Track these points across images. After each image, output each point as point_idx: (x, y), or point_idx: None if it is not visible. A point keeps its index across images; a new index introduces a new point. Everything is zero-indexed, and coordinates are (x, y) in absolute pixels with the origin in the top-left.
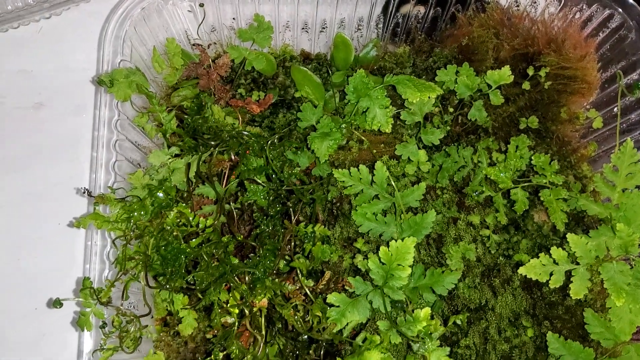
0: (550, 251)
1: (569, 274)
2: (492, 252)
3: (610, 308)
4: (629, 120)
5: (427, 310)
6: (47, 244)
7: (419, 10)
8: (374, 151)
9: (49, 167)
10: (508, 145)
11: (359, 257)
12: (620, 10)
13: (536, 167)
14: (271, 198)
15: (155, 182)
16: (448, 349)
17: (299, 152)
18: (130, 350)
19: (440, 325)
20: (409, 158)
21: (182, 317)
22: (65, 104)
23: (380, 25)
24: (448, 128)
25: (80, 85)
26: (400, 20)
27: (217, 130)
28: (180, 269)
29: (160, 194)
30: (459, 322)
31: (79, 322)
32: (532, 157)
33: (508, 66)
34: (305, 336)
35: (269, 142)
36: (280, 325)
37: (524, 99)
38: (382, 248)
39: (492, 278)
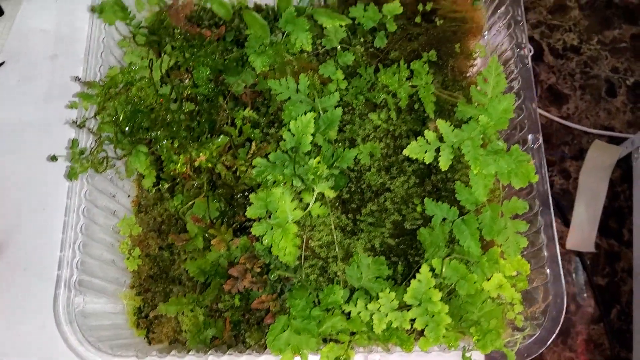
0: (424, 133)
1: (438, 152)
2: (389, 143)
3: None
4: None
5: (317, 158)
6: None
7: None
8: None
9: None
10: (400, 63)
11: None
12: None
13: (415, 72)
14: (212, 87)
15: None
16: (332, 182)
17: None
18: (101, 170)
19: (327, 168)
20: (329, 78)
21: (145, 175)
22: (76, 54)
23: None
24: (360, 50)
25: None
26: None
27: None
28: (142, 123)
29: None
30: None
31: (68, 175)
32: (410, 64)
33: (398, 0)
34: (238, 195)
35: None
36: (220, 191)
37: (425, 37)
38: (292, 122)
39: (391, 170)
